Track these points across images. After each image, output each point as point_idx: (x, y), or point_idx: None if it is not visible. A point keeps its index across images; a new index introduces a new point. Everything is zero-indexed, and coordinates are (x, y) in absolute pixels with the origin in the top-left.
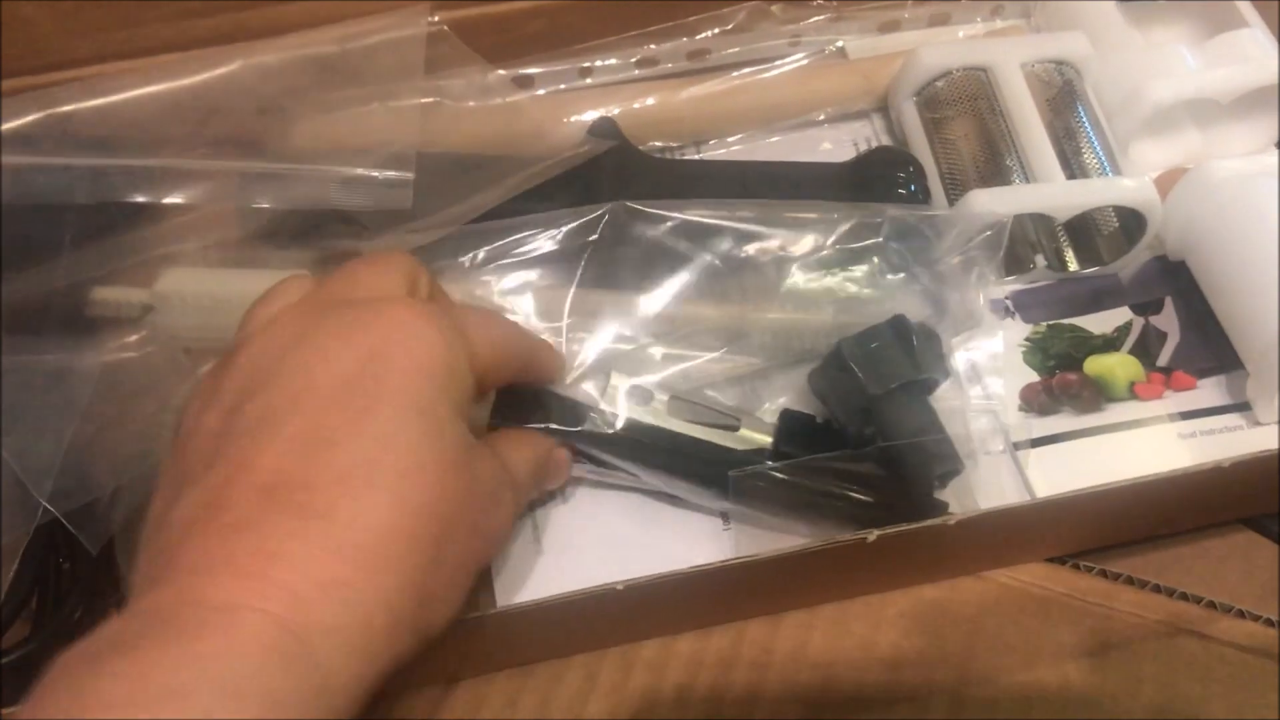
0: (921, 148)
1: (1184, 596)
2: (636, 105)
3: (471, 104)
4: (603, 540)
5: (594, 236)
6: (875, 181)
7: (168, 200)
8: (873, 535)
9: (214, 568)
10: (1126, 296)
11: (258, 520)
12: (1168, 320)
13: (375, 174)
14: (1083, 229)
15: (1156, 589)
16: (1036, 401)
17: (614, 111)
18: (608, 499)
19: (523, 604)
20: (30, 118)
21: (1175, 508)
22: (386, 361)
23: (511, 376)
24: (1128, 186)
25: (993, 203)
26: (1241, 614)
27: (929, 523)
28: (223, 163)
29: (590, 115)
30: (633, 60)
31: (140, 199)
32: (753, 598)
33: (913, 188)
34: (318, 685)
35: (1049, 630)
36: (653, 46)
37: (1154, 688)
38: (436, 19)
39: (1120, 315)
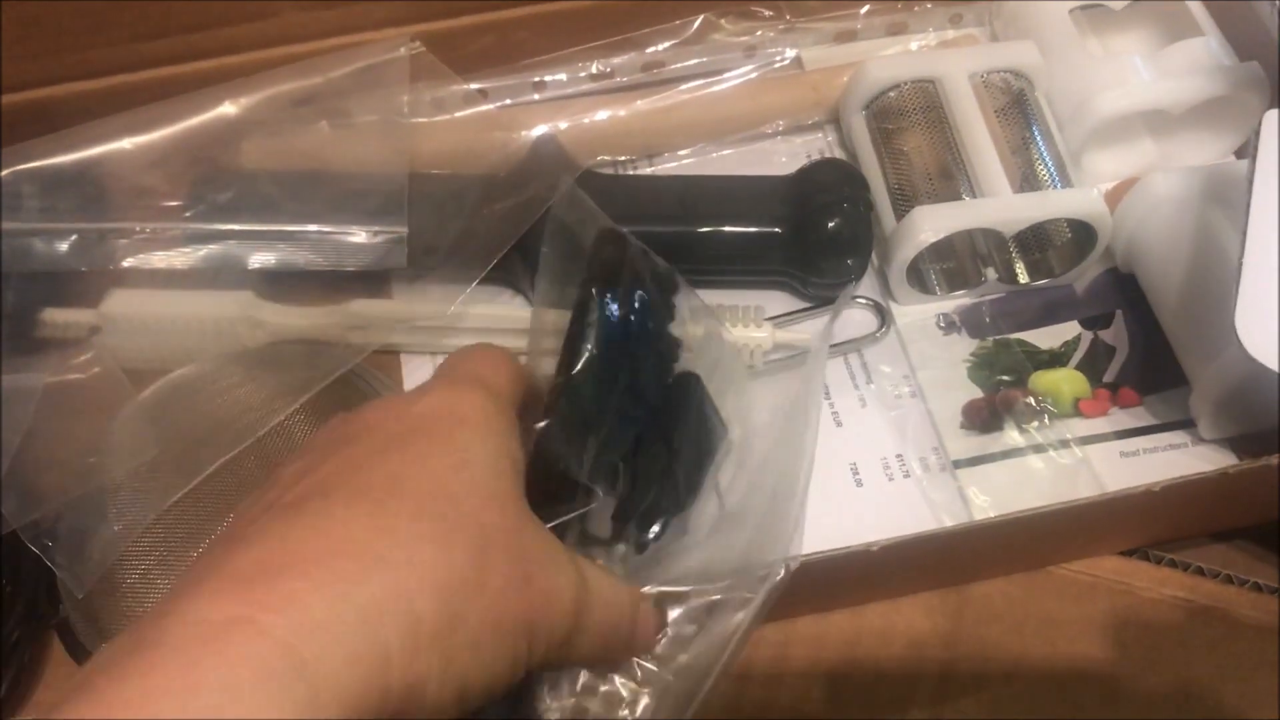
0: (870, 161)
1: (1200, 571)
2: (586, 120)
3: (436, 120)
4: None
5: None
6: (817, 195)
7: (161, 266)
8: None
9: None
10: (1079, 310)
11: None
12: (1117, 335)
13: (370, 240)
14: (1035, 240)
15: (1173, 564)
16: (979, 419)
17: (563, 126)
18: None
19: None
20: (16, 169)
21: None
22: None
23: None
24: (1075, 199)
25: (937, 219)
26: (1258, 587)
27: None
28: (214, 226)
29: (540, 130)
30: (584, 74)
31: (131, 264)
32: None
33: (856, 203)
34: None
35: (1066, 608)
36: (603, 61)
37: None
38: (417, 43)
39: (1071, 329)
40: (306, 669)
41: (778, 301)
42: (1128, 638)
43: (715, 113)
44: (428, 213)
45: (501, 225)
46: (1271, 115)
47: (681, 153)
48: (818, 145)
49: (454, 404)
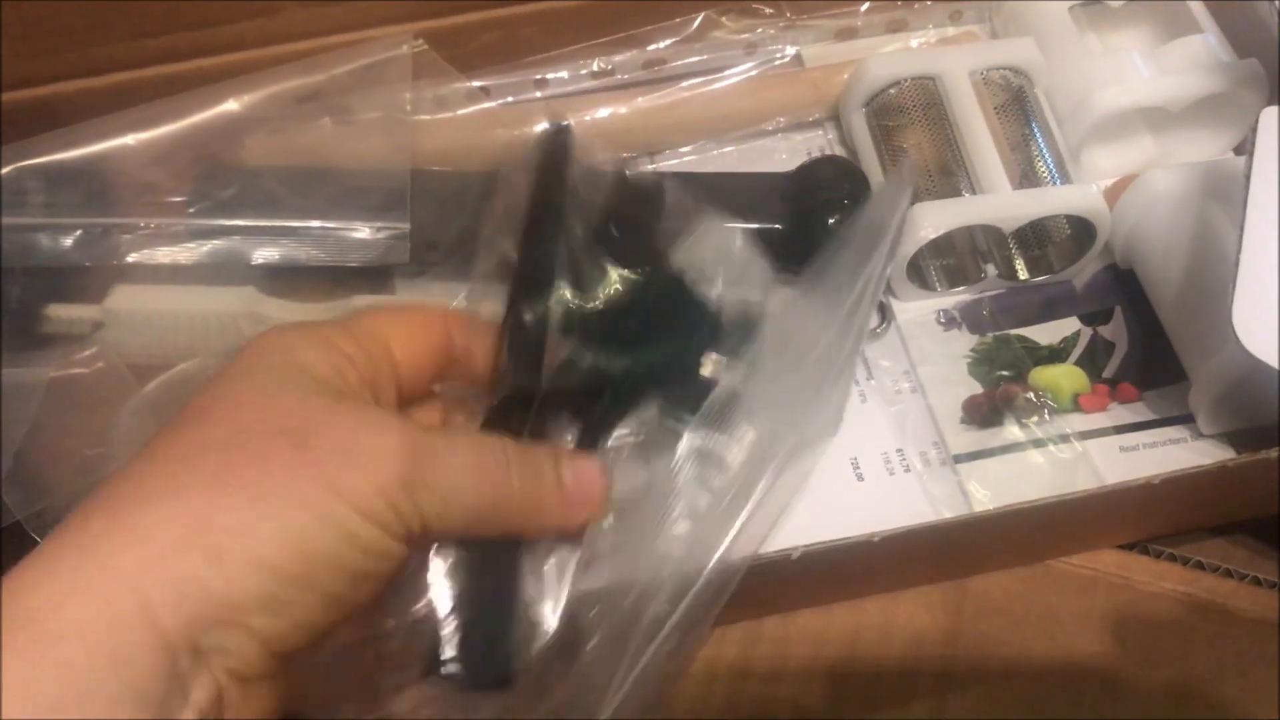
0: (870, 158)
1: (1199, 565)
2: (588, 117)
3: (439, 117)
4: None
5: None
6: (816, 193)
7: (165, 261)
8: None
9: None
10: (1079, 305)
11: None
12: (1116, 330)
13: (372, 236)
14: (1035, 237)
15: (1172, 558)
16: (979, 414)
17: (568, 122)
18: None
19: None
20: (20, 165)
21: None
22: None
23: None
24: (1074, 195)
25: (936, 215)
26: (1258, 581)
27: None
28: (217, 221)
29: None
30: (585, 72)
31: (135, 259)
32: None
33: (856, 200)
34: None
35: (1066, 602)
36: (606, 58)
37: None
38: (420, 40)
39: (1070, 325)
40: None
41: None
42: (1127, 632)
43: (716, 110)
44: (430, 209)
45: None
46: (1269, 112)
47: (682, 150)
48: (818, 142)
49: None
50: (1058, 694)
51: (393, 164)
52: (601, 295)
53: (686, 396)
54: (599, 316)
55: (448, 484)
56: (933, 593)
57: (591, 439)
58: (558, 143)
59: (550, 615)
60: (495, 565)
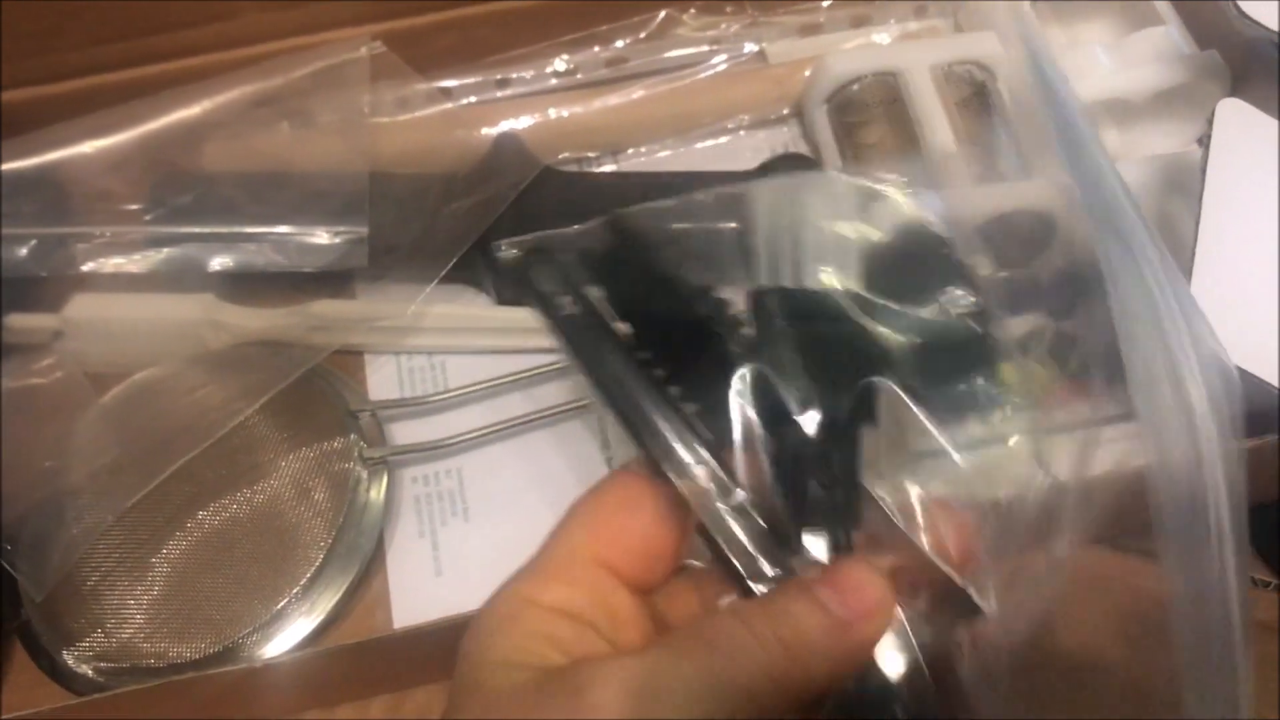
0: (832, 155)
1: None
2: (552, 116)
3: (398, 119)
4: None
5: None
6: None
7: (123, 270)
8: None
9: None
10: (1042, 300)
11: None
12: (1079, 325)
13: (330, 240)
14: (997, 232)
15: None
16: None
17: (527, 123)
18: (507, 515)
19: (418, 625)
20: None
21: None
22: None
23: None
24: (1033, 190)
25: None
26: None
27: None
28: (175, 229)
29: (502, 127)
30: (548, 71)
31: (92, 268)
32: None
33: None
34: None
35: None
36: (567, 57)
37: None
38: (378, 43)
39: (1035, 320)
40: None
41: None
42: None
43: (679, 108)
44: (389, 212)
45: (462, 224)
46: (1226, 104)
47: (645, 149)
48: (783, 139)
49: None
50: None
51: (351, 167)
52: None
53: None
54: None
55: (689, 698)
56: None
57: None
58: None
59: None
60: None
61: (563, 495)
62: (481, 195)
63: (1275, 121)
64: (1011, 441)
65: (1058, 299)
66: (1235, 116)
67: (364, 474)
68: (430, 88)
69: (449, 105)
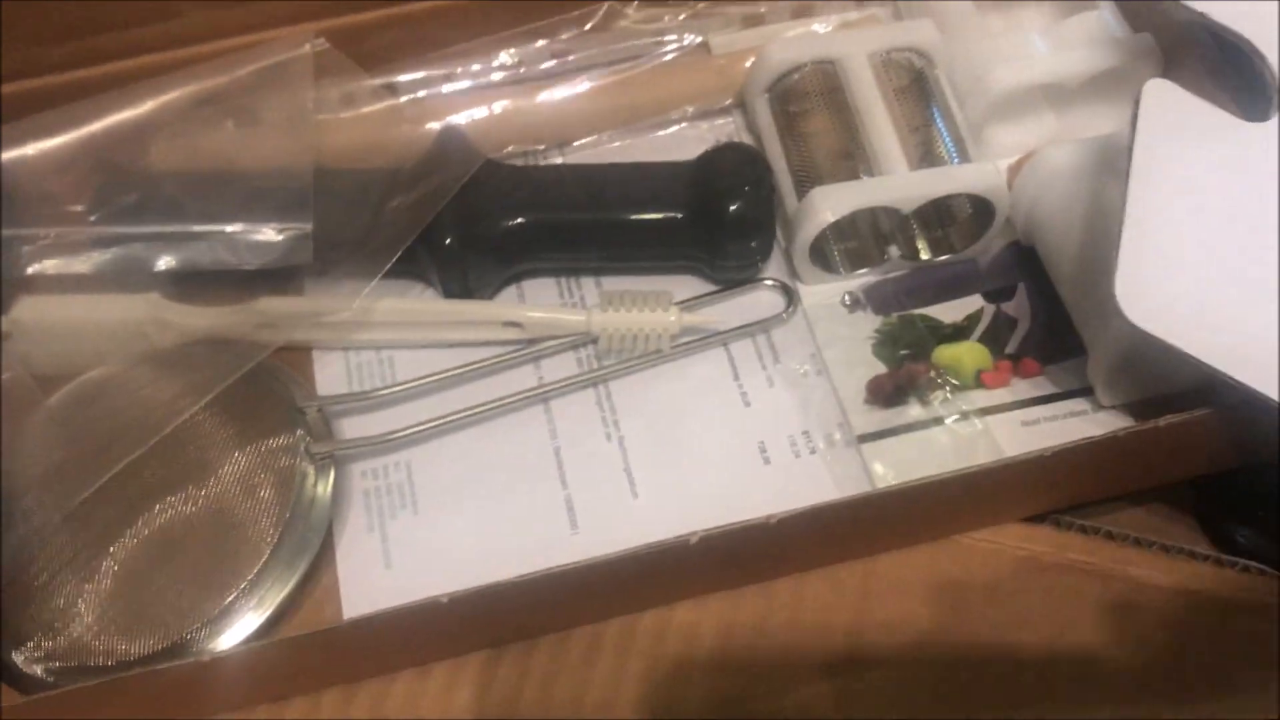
0: (774, 144)
1: (1109, 535)
2: (496, 110)
3: (342, 116)
4: (449, 550)
5: None
6: (718, 180)
7: (69, 271)
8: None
9: None
10: (982, 283)
11: None
12: (1019, 307)
13: (275, 237)
14: (936, 217)
15: (1083, 530)
16: (882, 394)
17: (473, 117)
18: (456, 507)
19: (368, 615)
20: None
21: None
22: None
23: None
24: (971, 174)
25: (834, 199)
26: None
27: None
28: (120, 229)
29: (446, 121)
30: (493, 64)
31: (37, 270)
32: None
33: (757, 186)
34: None
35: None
36: (511, 51)
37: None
38: (321, 39)
39: (974, 303)
40: None
41: (688, 286)
42: (1032, 602)
43: (622, 100)
44: (333, 208)
45: (406, 218)
46: (1153, 84)
47: (589, 140)
48: (728, 130)
49: None
50: (962, 670)
51: (296, 164)
52: None
53: None
54: None
55: None
56: (839, 571)
57: None
58: None
59: None
60: None
61: (512, 486)
62: (425, 189)
63: (1199, 100)
64: (949, 421)
65: (996, 281)
66: (1161, 96)
67: (310, 469)
68: (375, 84)
69: (394, 100)
